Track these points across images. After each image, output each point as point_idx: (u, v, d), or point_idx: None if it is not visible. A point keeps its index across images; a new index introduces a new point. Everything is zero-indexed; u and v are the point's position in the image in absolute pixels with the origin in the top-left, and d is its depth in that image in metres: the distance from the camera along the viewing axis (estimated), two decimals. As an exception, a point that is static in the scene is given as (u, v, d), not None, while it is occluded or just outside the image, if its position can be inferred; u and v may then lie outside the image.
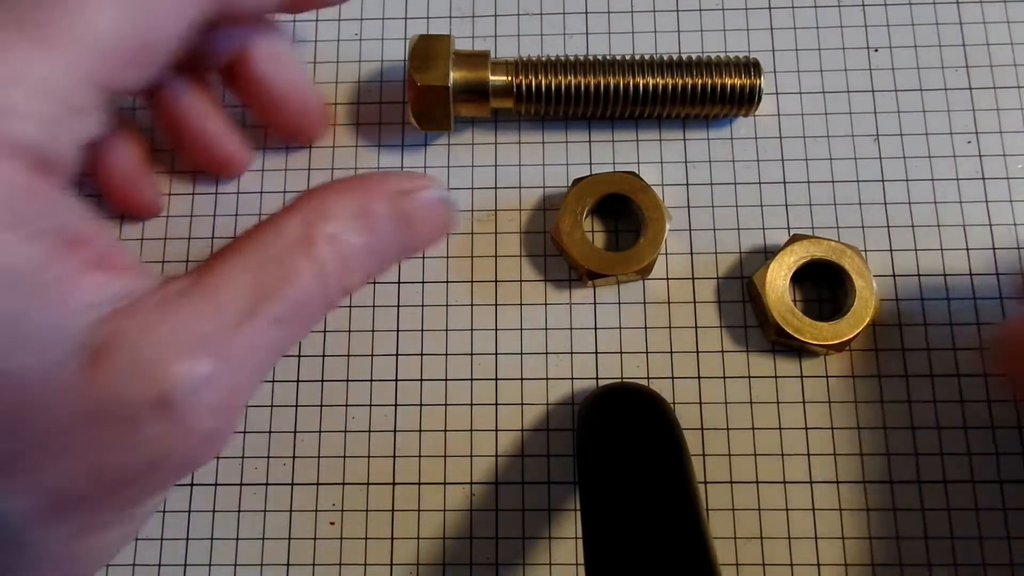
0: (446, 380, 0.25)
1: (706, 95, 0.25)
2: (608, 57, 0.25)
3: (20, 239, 0.14)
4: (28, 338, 0.14)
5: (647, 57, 0.25)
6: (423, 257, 0.26)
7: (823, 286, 0.25)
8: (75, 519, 0.16)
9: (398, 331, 0.25)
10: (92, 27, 0.15)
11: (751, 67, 0.25)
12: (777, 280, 0.23)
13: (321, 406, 0.25)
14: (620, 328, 0.25)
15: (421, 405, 0.25)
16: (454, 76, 0.24)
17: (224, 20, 0.20)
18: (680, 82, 0.24)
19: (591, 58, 0.25)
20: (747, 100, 0.25)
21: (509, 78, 0.24)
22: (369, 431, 0.24)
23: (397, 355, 0.25)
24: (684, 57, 0.25)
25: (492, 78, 0.24)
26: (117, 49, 0.16)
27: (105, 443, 0.15)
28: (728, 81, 0.25)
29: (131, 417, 0.15)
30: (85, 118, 0.16)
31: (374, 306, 0.25)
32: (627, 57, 0.25)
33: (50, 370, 0.14)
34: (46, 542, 0.16)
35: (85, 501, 0.16)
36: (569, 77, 0.24)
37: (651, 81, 0.24)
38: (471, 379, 0.25)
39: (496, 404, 0.24)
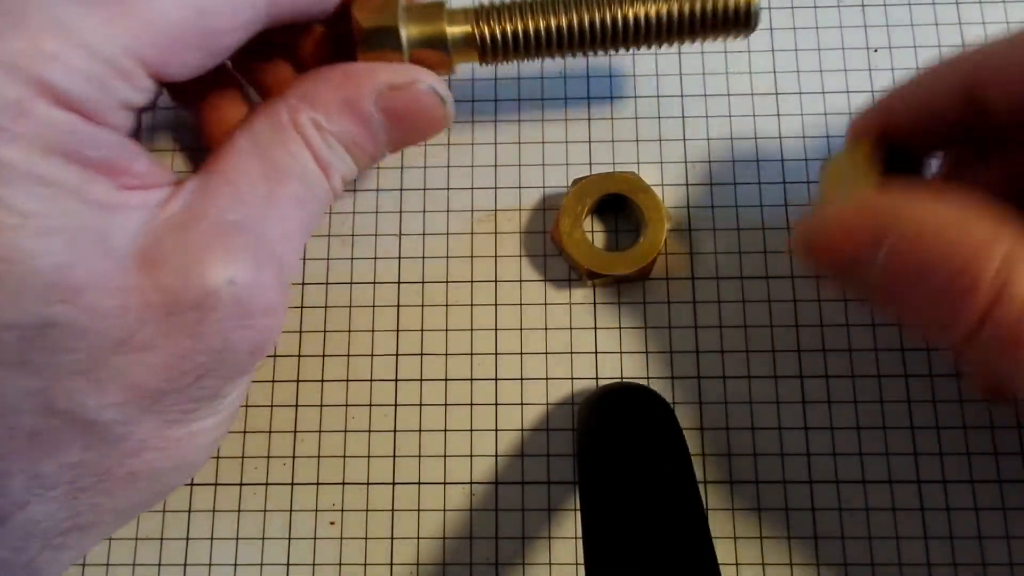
0: (446, 380, 0.25)
1: (693, 20, 0.22)
2: None
3: (59, 164, 0.15)
4: (83, 250, 0.15)
5: None
6: (423, 257, 0.26)
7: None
8: (160, 410, 0.17)
9: (398, 331, 0.25)
10: (151, 5, 0.16)
11: None
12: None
13: (321, 406, 0.25)
14: (620, 328, 0.25)
15: (421, 405, 0.25)
16: (407, 32, 0.21)
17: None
18: (661, 8, 0.22)
19: None
20: (741, 22, 0.22)
21: (469, 28, 0.21)
22: (369, 431, 0.24)
23: (397, 355, 0.25)
24: None
25: (450, 29, 0.21)
26: (172, 32, 0.16)
27: (173, 337, 0.17)
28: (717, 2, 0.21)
29: (189, 311, 0.17)
30: (131, 85, 0.16)
31: (374, 306, 0.25)
32: None
33: (110, 276, 0.16)
34: (139, 434, 0.17)
35: (165, 393, 0.17)
36: (537, 19, 0.22)
37: (630, 11, 0.22)
38: (471, 379, 0.25)
39: (496, 404, 0.24)
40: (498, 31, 0.22)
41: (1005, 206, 0.15)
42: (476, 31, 0.21)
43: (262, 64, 0.23)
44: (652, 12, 0.22)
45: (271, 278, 0.18)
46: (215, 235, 0.17)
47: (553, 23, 0.22)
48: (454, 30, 0.21)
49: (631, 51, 0.23)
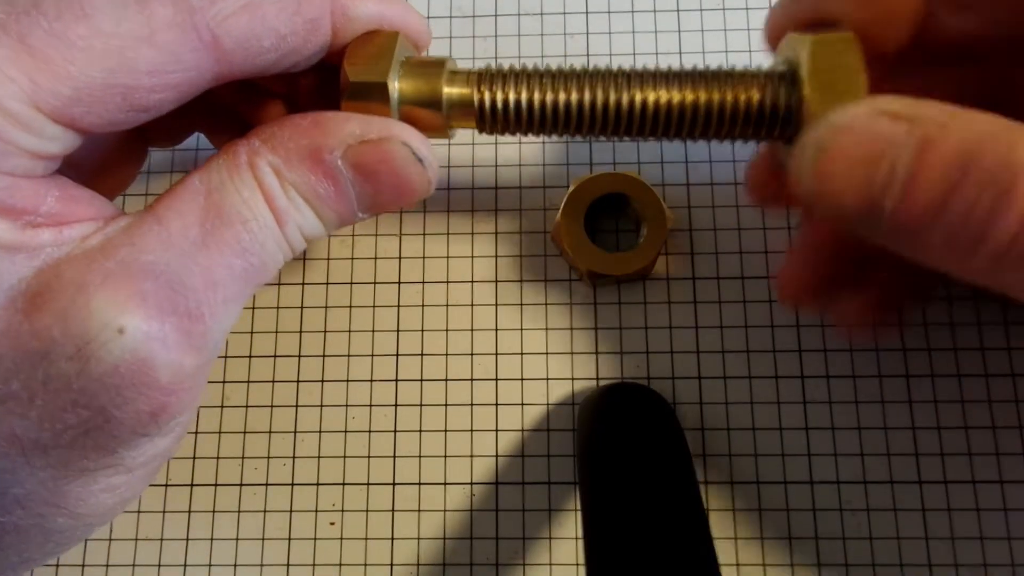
0: (446, 380, 0.25)
1: (722, 114, 0.18)
2: (596, 68, 0.19)
3: None
4: None
5: (647, 68, 0.19)
6: (423, 257, 0.26)
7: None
8: (51, 464, 0.16)
9: (398, 331, 0.25)
10: (57, 57, 0.15)
11: (782, 79, 0.18)
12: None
13: (321, 406, 0.25)
14: (620, 328, 0.25)
15: (421, 405, 0.24)
16: (398, 87, 0.18)
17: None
18: (689, 97, 0.18)
19: (574, 68, 0.19)
20: (778, 121, 0.18)
21: (469, 91, 0.19)
22: (369, 431, 0.24)
23: (397, 355, 0.25)
24: (695, 68, 0.19)
25: (448, 90, 0.19)
26: (79, 86, 0.15)
27: (50, 388, 0.15)
28: (752, 96, 0.18)
29: (64, 360, 0.15)
30: (31, 134, 0.15)
31: (374, 306, 0.25)
32: (622, 68, 0.19)
33: None
34: (30, 487, 0.16)
35: (50, 447, 0.15)
36: (546, 91, 0.19)
37: (651, 96, 0.18)
38: (471, 379, 0.25)
39: (496, 404, 0.24)
40: (499, 99, 0.19)
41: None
42: (476, 95, 0.19)
43: (257, 111, 0.22)
44: (676, 100, 0.18)
45: (178, 333, 0.15)
46: (117, 276, 0.15)
47: (563, 98, 0.19)
48: (452, 91, 0.19)
49: (656, 139, 0.20)
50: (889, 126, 0.14)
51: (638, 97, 0.18)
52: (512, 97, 0.19)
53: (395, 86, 0.18)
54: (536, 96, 0.19)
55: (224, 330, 0.17)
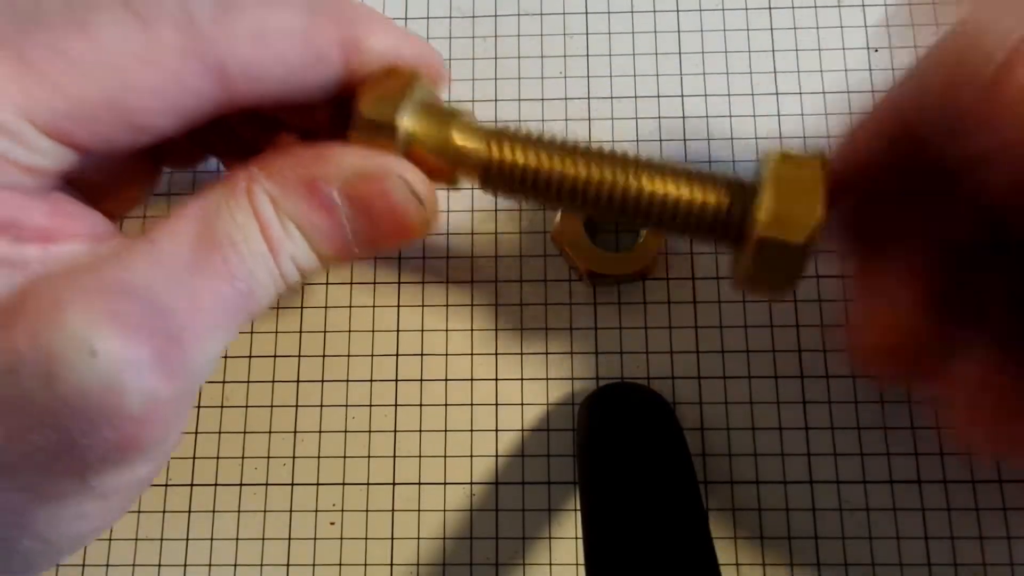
0: (446, 380, 0.25)
1: (675, 214, 0.18)
2: (600, 148, 0.19)
3: None
4: None
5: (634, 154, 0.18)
6: (423, 257, 0.26)
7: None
8: (18, 486, 0.15)
9: (398, 331, 0.25)
10: (52, 70, 0.15)
11: (741, 189, 0.18)
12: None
13: (321, 406, 0.25)
14: (620, 328, 0.25)
15: (421, 405, 0.25)
16: (408, 128, 0.18)
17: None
18: (663, 191, 0.18)
19: (577, 145, 0.19)
20: (731, 234, 0.18)
21: (480, 146, 0.18)
22: (369, 431, 0.24)
23: (397, 355, 0.25)
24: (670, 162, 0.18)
25: (459, 141, 0.18)
26: (73, 102, 0.15)
27: (18, 406, 0.14)
28: (707, 200, 0.18)
29: (28, 379, 0.14)
30: (23, 147, 0.15)
31: (374, 306, 0.25)
32: (625, 152, 0.19)
33: None
34: None
35: (19, 468, 0.15)
36: (554, 164, 0.18)
37: (636, 186, 0.18)
38: (471, 379, 0.25)
39: (496, 404, 0.24)
40: (508, 160, 0.18)
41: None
42: (488, 151, 0.18)
43: (272, 142, 0.21)
44: (659, 192, 0.18)
45: (155, 358, 0.14)
46: (94, 293, 0.14)
47: (568, 175, 0.18)
48: (464, 143, 0.18)
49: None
50: None
51: (634, 185, 0.18)
52: (521, 161, 0.18)
53: (404, 126, 0.18)
54: (542, 168, 0.18)
55: (208, 359, 0.16)
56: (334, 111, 0.20)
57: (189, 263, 0.15)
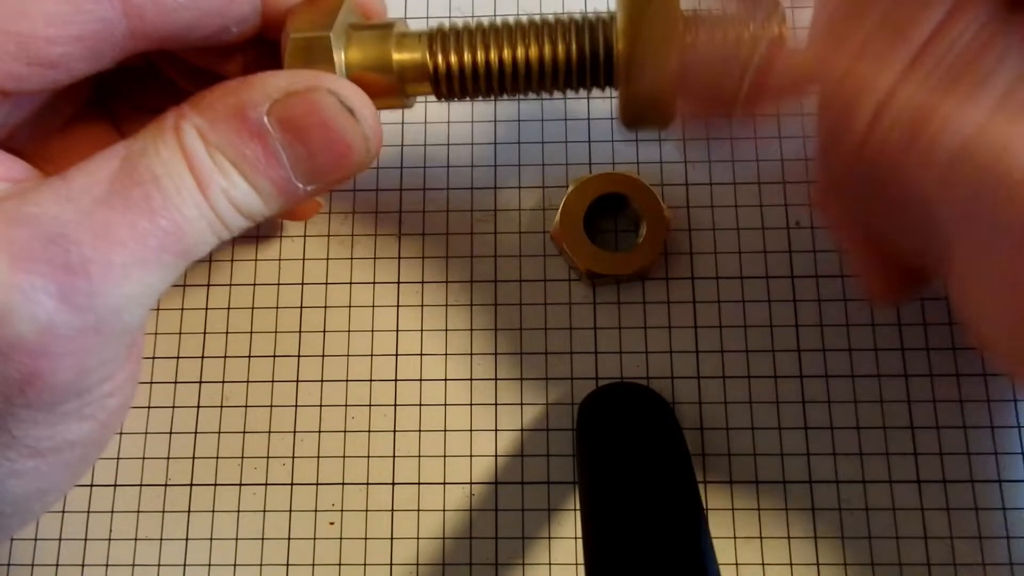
0: (446, 380, 0.25)
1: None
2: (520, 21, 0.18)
3: None
4: None
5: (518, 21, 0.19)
6: (423, 257, 0.26)
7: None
8: None
9: (398, 331, 0.25)
10: None
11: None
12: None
13: (321, 406, 0.25)
14: (620, 328, 0.25)
15: (421, 405, 0.25)
16: (344, 52, 0.17)
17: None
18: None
19: (507, 22, 0.18)
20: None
21: (421, 55, 0.18)
22: (369, 431, 0.24)
23: (397, 355, 0.25)
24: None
25: (398, 56, 0.18)
26: None
27: None
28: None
29: None
30: None
31: (374, 306, 0.25)
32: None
33: None
34: None
35: None
36: (503, 48, 0.18)
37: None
38: (471, 379, 0.25)
39: (496, 404, 0.24)
40: (454, 61, 0.18)
41: None
42: (430, 60, 0.18)
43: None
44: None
45: (51, 287, 0.14)
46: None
47: (509, 55, 0.18)
48: (403, 56, 0.18)
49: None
50: None
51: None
52: (468, 59, 0.18)
53: (340, 42, 0.17)
54: (493, 55, 0.18)
55: (127, 296, 0.15)
56: (262, 53, 0.19)
57: (101, 198, 0.15)
